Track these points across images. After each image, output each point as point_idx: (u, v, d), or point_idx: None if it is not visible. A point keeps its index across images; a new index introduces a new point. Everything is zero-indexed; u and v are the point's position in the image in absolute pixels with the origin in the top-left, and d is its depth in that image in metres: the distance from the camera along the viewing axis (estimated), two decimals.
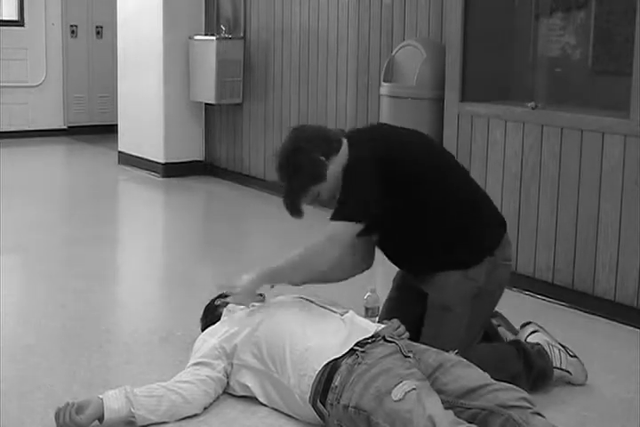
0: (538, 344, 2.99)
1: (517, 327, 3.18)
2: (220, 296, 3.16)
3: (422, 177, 2.89)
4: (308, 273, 2.93)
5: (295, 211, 2.92)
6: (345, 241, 2.82)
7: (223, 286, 3.03)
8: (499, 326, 3.15)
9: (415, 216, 2.91)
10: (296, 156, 2.89)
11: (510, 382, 2.54)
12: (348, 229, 2.79)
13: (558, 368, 2.97)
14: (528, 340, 3.04)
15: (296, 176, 2.89)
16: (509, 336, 3.13)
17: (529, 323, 3.14)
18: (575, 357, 3.02)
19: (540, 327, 3.11)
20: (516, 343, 3.01)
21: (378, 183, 2.80)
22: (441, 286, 2.93)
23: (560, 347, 3.02)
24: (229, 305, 3.03)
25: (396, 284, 3.19)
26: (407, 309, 3.01)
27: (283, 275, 2.91)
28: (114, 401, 2.59)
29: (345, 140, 2.93)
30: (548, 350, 2.98)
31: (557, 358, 2.98)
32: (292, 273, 2.91)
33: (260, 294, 2.98)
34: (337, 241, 2.81)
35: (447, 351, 2.69)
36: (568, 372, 2.99)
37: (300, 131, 3.02)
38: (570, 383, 3.02)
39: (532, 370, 2.90)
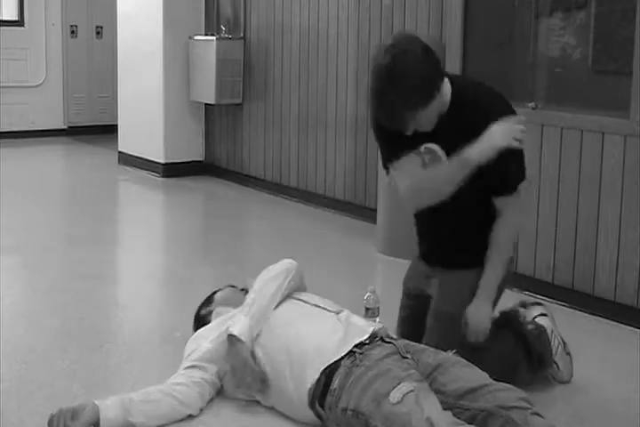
0: (542, 327, 2.97)
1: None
2: (204, 305, 3.14)
3: None
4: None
5: (401, 122, 2.65)
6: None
7: None
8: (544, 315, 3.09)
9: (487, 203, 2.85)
10: (410, 61, 2.58)
11: (512, 370, 2.54)
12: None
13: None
14: (536, 320, 3.02)
15: (406, 84, 2.57)
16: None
17: (540, 304, 3.12)
18: (569, 355, 3.02)
19: (550, 313, 3.09)
20: (517, 326, 2.96)
21: None
22: (451, 289, 2.89)
23: (560, 340, 3.01)
24: (217, 308, 3.02)
25: (406, 289, 3.13)
26: (423, 317, 2.97)
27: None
28: (111, 410, 2.57)
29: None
30: (550, 338, 2.97)
31: (555, 347, 2.97)
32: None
33: (243, 289, 2.99)
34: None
35: (445, 351, 2.69)
36: (557, 365, 2.98)
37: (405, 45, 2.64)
38: (554, 379, 3.00)
39: (531, 355, 2.90)
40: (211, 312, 3.04)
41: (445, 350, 2.67)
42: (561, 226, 3.97)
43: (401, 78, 2.57)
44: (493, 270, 2.82)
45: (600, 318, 3.80)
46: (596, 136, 3.78)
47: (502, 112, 2.75)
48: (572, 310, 3.88)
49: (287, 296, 2.88)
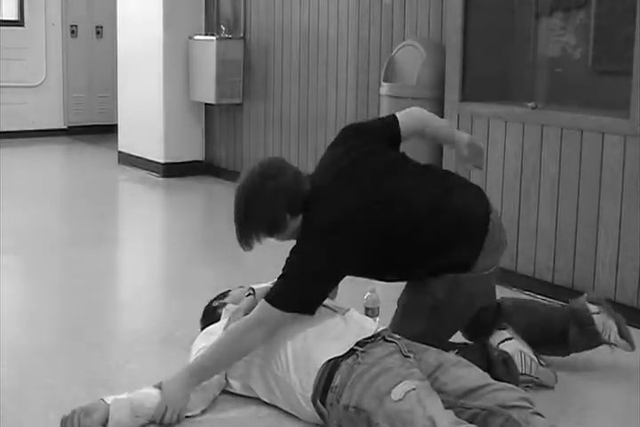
0: (506, 353, 2.90)
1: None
2: (218, 298, 3.16)
3: (388, 234, 2.78)
4: (232, 359, 2.75)
5: (246, 246, 2.88)
6: (274, 329, 2.68)
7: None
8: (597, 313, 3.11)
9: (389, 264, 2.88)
10: (258, 204, 2.80)
11: None
12: (282, 318, 2.66)
13: (528, 375, 2.92)
14: (500, 347, 2.96)
15: (252, 224, 2.84)
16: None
17: (505, 328, 3.04)
18: (547, 366, 2.97)
19: (516, 334, 3.03)
20: (483, 348, 2.94)
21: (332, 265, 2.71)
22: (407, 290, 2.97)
23: (533, 356, 2.95)
24: (228, 305, 3.03)
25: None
26: None
27: (207, 371, 2.72)
28: (119, 411, 2.58)
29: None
30: (519, 359, 2.91)
31: (527, 366, 2.92)
32: (217, 365, 2.74)
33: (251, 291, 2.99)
34: (266, 327, 2.67)
35: (447, 351, 2.69)
36: (537, 378, 2.94)
37: (271, 176, 2.82)
38: (541, 385, 2.97)
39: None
40: (224, 305, 3.04)
41: (446, 351, 2.68)
42: (561, 226, 3.97)
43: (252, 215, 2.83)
44: (201, 358, 2.74)
45: None
46: (595, 136, 3.78)
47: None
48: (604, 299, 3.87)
49: None
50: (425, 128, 3.13)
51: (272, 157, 3.05)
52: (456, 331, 3.05)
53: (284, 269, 2.73)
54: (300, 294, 2.69)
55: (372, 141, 2.99)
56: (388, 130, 3.06)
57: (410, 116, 3.12)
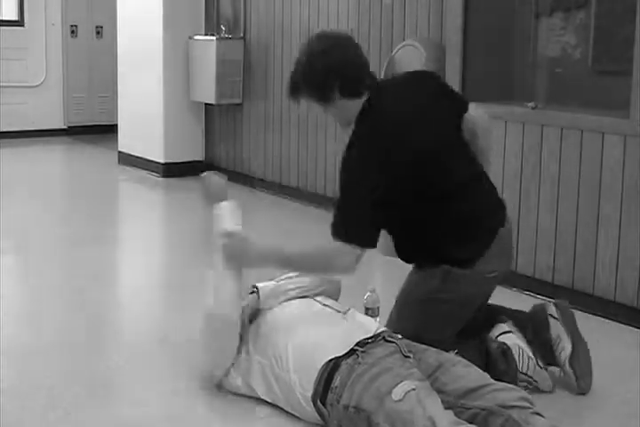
0: (505, 345, 2.90)
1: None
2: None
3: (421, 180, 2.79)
4: (312, 274, 2.90)
5: (291, 95, 2.88)
6: (351, 260, 2.70)
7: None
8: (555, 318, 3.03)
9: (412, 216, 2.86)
10: (317, 68, 2.78)
11: None
12: (351, 250, 2.68)
13: (524, 374, 2.91)
14: (499, 339, 2.96)
15: (305, 84, 2.82)
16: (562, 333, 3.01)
17: (504, 322, 3.04)
18: (544, 368, 2.95)
19: (515, 328, 3.02)
20: (481, 343, 2.95)
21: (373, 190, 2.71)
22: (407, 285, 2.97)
23: (531, 355, 2.94)
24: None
25: None
26: None
27: (290, 266, 2.85)
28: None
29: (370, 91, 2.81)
30: (516, 355, 2.90)
31: (525, 364, 2.91)
32: (299, 269, 2.88)
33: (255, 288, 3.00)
34: (345, 259, 2.70)
35: (447, 351, 2.69)
36: (533, 379, 2.92)
37: (344, 46, 2.82)
38: (536, 388, 2.94)
39: (493, 372, 2.88)
40: None
41: (447, 350, 2.68)
42: (561, 226, 3.97)
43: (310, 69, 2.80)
44: (295, 255, 2.84)
45: (600, 318, 3.80)
46: (595, 136, 3.78)
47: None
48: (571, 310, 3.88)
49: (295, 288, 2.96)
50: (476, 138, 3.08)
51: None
52: (447, 331, 2.95)
53: None
54: (342, 223, 2.70)
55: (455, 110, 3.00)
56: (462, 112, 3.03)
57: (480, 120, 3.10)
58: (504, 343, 2.91)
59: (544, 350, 2.99)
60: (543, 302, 3.11)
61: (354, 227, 2.70)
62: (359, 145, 2.77)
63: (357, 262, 2.72)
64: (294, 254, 2.80)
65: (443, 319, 2.91)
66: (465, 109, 3.02)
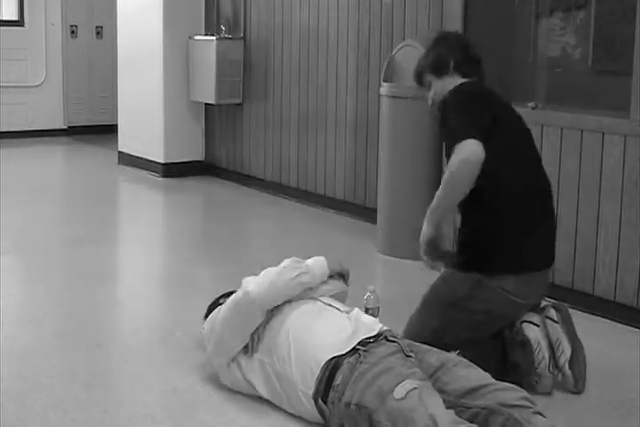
0: (525, 336, 2.92)
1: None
2: (225, 295, 3.16)
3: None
4: (457, 195, 2.86)
5: (417, 79, 3.27)
6: (477, 157, 2.75)
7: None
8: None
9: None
10: (442, 49, 3.18)
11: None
12: (472, 146, 2.74)
13: (534, 371, 2.92)
14: (522, 326, 2.96)
15: (426, 59, 3.20)
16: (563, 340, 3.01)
17: (538, 313, 3.02)
18: (552, 374, 2.95)
19: (547, 322, 3.00)
20: (496, 337, 2.96)
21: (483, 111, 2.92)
22: (436, 283, 3.01)
23: (546, 356, 2.94)
24: None
25: None
26: None
27: (441, 206, 2.89)
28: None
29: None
30: (535, 351, 2.92)
31: (538, 362, 2.93)
32: (446, 200, 2.88)
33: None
34: (469, 160, 2.75)
35: (449, 351, 2.70)
36: (536, 381, 2.92)
37: (468, 45, 3.28)
38: (533, 389, 2.93)
39: (506, 363, 2.89)
40: None
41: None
42: (561, 226, 3.96)
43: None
44: (434, 199, 2.89)
45: (600, 318, 3.80)
46: (595, 136, 3.78)
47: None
48: (572, 310, 3.86)
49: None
50: None
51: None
52: (463, 338, 2.93)
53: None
54: (467, 122, 2.83)
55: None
56: None
57: None
58: (525, 335, 2.93)
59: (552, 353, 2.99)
60: (542, 306, 3.10)
61: (473, 128, 2.80)
62: (462, 95, 3.02)
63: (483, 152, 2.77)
64: (437, 195, 2.87)
65: (462, 326, 2.93)
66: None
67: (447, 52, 3.15)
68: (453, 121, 2.88)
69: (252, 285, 2.81)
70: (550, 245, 3.03)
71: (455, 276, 2.96)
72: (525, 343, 2.92)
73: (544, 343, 2.96)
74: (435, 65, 3.15)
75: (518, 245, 2.89)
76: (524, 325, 2.98)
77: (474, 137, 2.75)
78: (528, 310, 3.01)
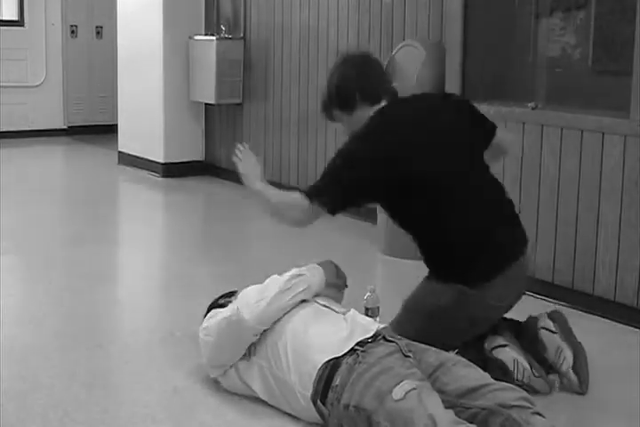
0: (500, 361, 2.91)
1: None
2: (224, 296, 3.16)
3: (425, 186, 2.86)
4: (275, 215, 3.09)
5: (325, 113, 3.17)
6: (309, 219, 2.92)
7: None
8: (555, 332, 3.02)
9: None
10: (342, 82, 3.01)
11: None
12: (316, 212, 2.87)
13: (520, 382, 2.89)
14: (493, 353, 2.96)
15: (330, 96, 3.07)
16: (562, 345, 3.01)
17: (500, 334, 3.01)
18: (540, 377, 2.93)
19: (512, 340, 3.00)
20: (479, 353, 2.95)
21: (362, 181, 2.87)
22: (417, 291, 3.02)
23: (526, 366, 2.93)
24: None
25: None
26: None
27: (263, 200, 3.13)
28: None
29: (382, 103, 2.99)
30: (513, 368, 2.91)
31: (521, 373, 2.92)
32: (266, 205, 3.12)
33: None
34: (304, 216, 2.92)
35: (447, 351, 2.69)
36: (529, 387, 2.90)
37: (369, 65, 3.06)
38: (535, 392, 2.92)
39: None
40: (229, 303, 3.05)
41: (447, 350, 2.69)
42: (561, 226, 3.97)
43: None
44: (272, 195, 3.16)
45: (600, 318, 3.80)
46: (595, 136, 3.78)
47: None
48: (572, 310, 3.88)
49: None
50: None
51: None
52: (445, 343, 2.89)
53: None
54: (323, 187, 2.88)
55: (478, 128, 3.11)
56: (489, 131, 3.15)
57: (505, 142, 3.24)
58: (500, 360, 2.92)
59: (538, 358, 2.98)
60: (536, 315, 3.09)
61: (326, 196, 2.85)
62: (367, 129, 2.94)
63: (310, 221, 2.93)
64: (271, 189, 3.12)
65: (443, 333, 2.91)
66: (490, 134, 3.14)
67: (350, 83, 2.98)
68: (332, 170, 2.93)
69: (248, 313, 2.75)
70: (513, 233, 2.98)
71: (435, 286, 2.93)
72: (502, 366, 2.90)
73: (520, 357, 2.94)
74: (341, 101, 3.02)
75: (482, 249, 2.87)
76: (494, 351, 2.96)
77: (323, 204, 2.83)
78: (506, 310, 3.00)
